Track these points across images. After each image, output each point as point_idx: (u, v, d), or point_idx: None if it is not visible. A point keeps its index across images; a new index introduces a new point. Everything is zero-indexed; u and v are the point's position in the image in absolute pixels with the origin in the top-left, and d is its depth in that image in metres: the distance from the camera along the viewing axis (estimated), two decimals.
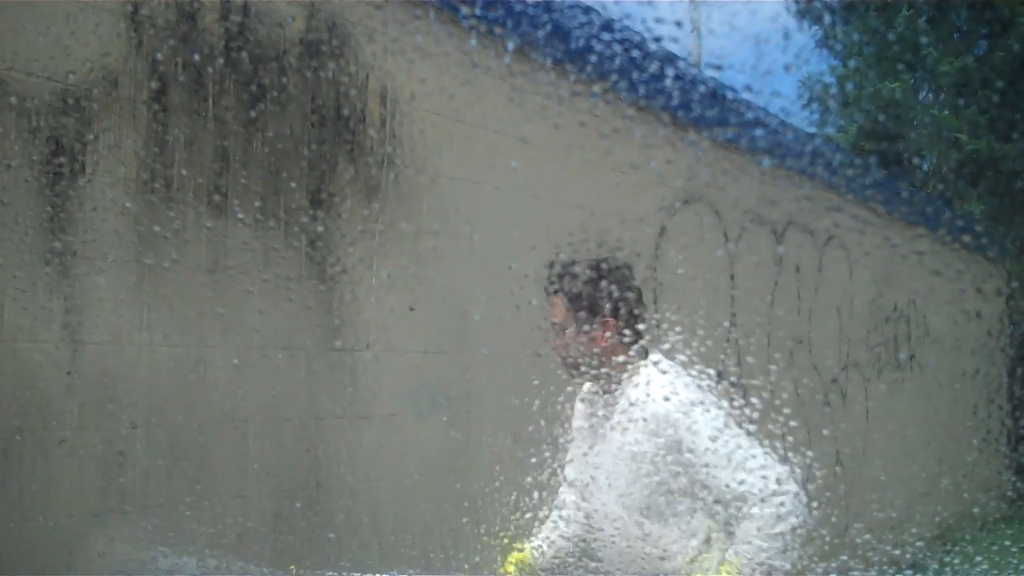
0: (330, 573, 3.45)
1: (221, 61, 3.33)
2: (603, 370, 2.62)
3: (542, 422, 2.90)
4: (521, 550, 2.79)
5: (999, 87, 12.98)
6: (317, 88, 3.68)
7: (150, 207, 3.14)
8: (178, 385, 3.25)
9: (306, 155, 3.62)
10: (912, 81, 14.27)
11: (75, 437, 2.97)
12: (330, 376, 3.76)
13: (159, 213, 3.17)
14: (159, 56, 3.16)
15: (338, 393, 3.78)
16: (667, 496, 2.52)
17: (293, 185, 3.56)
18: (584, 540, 2.74)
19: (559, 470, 2.83)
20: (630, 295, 2.62)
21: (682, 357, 2.70)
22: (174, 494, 3.22)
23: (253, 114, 3.43)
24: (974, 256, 10.51)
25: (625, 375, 2.61)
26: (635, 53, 4.31)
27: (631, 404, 2.55)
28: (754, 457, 2.47)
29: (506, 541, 2.83)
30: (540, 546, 2.79)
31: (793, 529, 2.42)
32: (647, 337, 2.65)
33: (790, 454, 2.60)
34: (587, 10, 4.38)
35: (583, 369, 2.64)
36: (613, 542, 2.60)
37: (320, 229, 3.66)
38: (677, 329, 2.74)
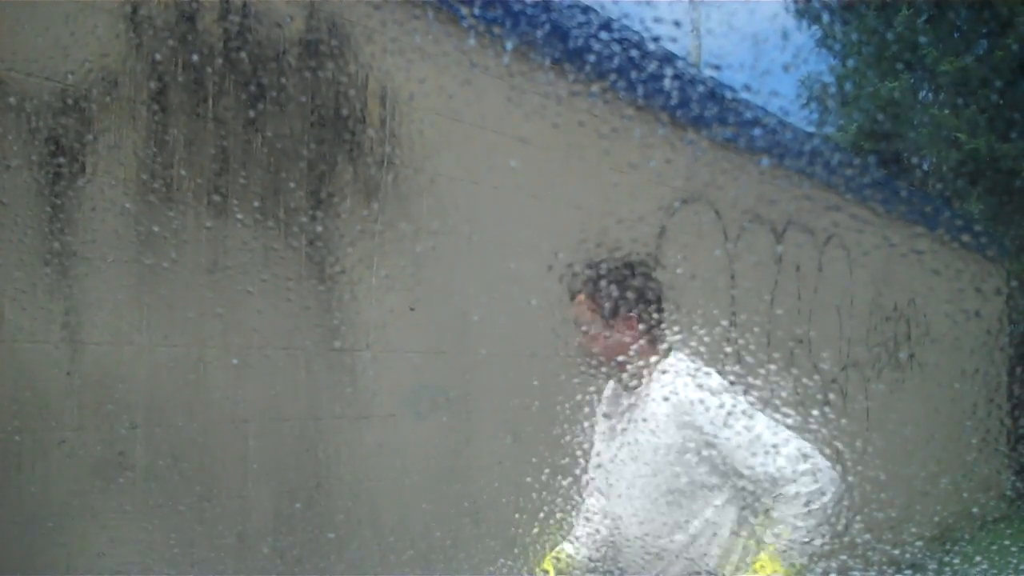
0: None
1: (220, 61, 3.33)
2: (628, 368, 2.66)
3: (541, 422, 2.90)
4: (556, 553, 2.81)
5: (998, 87, 12.97)
6: (316, 88, 3.68)
7: (149, 207, 3.14)
8: (178, 385, 3.25)
9: (305, 155, 3.62)
10: (911, 81, 14.27)
11: (75, 437, 2.97)
12: (330, 376, 3.76)
13: (159, 213, 3.17)
14: (158, 56, 3.16)
15: (338, 393, 3.78)
16: (699, 486, 2.57)
17: (292, 185, 3.56)
18: (611, 545, 2.75)
19: (585, 475, 2.85)
20: (654, 294, 2.67)
21: (682, 355, 2.71)
22: (174, 494, 3.22)
23: (252, 114, 3.43)
24: (973, 255, 10.51)
25: (650, 372, 2.65)
26: (634, 53, 4.31)
27: (660, 399, 2.59)
28: (783, 440, 2.54)
29: (538, 543, 2.85)
30: (579, 549, 2.81)
31: (826, 505, 2.51)
32: (669, 335, 2.69)
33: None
34: (586, 10, 4.38)
35: (608, 367, 2.68)
36: (640, 543, 2.63)
37: (319, 229, 3.66)
38: (676, 329, 2.75)
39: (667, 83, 5.19)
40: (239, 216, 3.39)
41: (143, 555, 3.11)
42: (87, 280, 3.00)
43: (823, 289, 7.62)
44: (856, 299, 8.25)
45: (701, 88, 5.73)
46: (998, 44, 13.22)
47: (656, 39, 4.24)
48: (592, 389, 2.86)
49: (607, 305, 2.64)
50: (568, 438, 2.87)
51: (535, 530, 2.89)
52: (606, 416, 2.80)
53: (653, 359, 2.66)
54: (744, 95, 6.20)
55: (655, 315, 2.67)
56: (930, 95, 14.71)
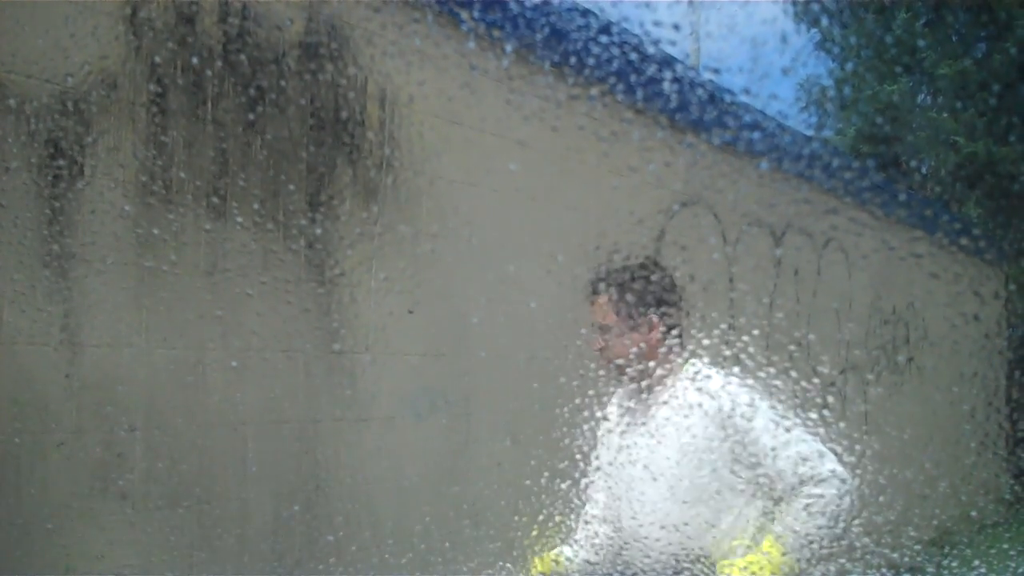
0: None
1: (220, 64, 3.33)
2: (648, 370, 2.66)
3: (540, 424, 2.90)
4: (555, 556, 2.79)
5: (997, 90, 12.99)
6: (315, 91, 3.68)
7: (149, 210, 3.14)
8: (177, 388, 3.25)
9: (304, 158, 3.63)
10: (910, 84, 14.28)
11: (74, 439, 2.97)
12: (329, 379, 3.76)
13: (158, 216, 3.17)
14: (158, 59, 3.16)
15: (337, 396, 3.78)
16: (727, 486, 2.58)
17: (292, 188, 3.56)
18: (614, 549, 2.74)
19: (589, 476, 2.83)
20: (674, 295, 2.70)
21: (704, 353, 2.73)
22: (173, 497, 3.22)
23: (252, 117, 3.43)
24: (972, 259, 10.52)
25: (671, 374, 2.66)
26: (633, 56, 4.32)
27: (688, 399, 2.60)
28: (806, 444, 2.60)
29: (536, 545, 2.84)
30: (577, 552, 2.80)
31: (842, 511, 2.55)
32: (688, 338, 2.71)
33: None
34: (585, 13, 4.38)
35: (627, 369, 2.68)
36: (650, 542, 2.62)
37: (318, 232, 3.66)
38: (698, 329, 2.76)
39: (666, 86, 5.20)
40: (238, 218, 3.39)
41: (142, 557, 3.11)
42: (86, 282, 3.00)
43: (822, 292, 7.62)
44: (855, 302, 8.25)
45: (700, 91, 5.73)
46: (997, 47, 13.24)
47: (655, 42, 4.24)
48: (591, 392, 2.85)
49: (629, 306, 2.64)
50: (567, 441, 2.87)
51: (534, 532, 2.89)
52: (622, 417, 2.78)
53: (677, 359, 2.68)
54: (743, 98, 6.20)
55: (676, 316, 2.68)
56: (929, 98, 14.73)
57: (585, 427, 2.85)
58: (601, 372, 2.74)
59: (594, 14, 4.39)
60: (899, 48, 13.97)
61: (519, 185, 4.54)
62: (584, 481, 2.85)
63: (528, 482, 2.94)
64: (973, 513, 9.59)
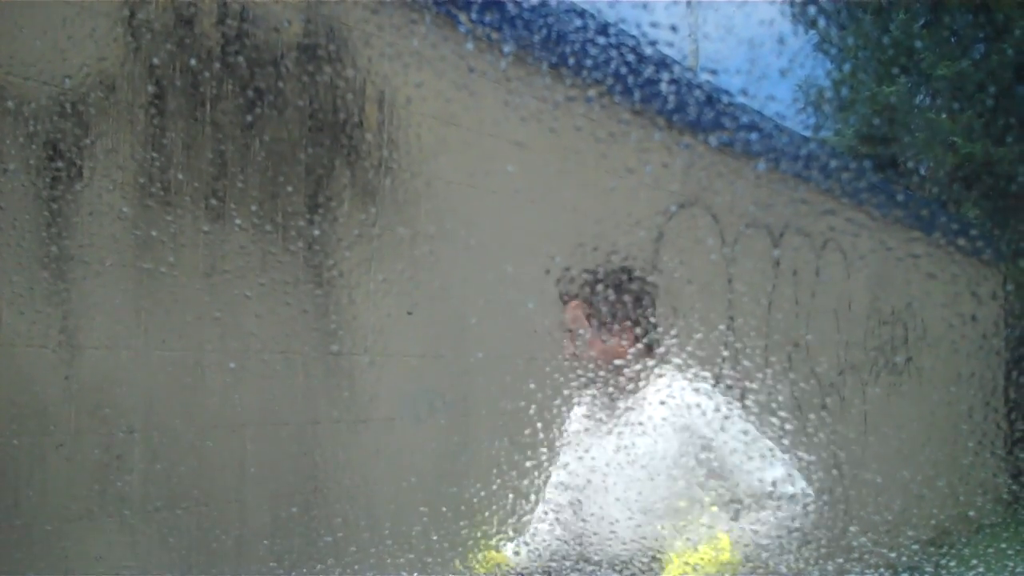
0: None
1: (218, 65, 3.34)
2: (620, 376, 2.63)
3: (539, 425, 2.90)
4: (495, 550, 2.76)
5: (995, 91, 12.99)
6: (314, 92, 3.68)
7: (147, 211, 3.15)
8: (175, 389, 3.25)
9: (303, 159, 3.63)
10: (908, 85, 14.28)
11: (73, 441, 2.97)
12: (327, 381, 3.77)
13: (156, 217, 3.17)
14: (156, 60, 3.17)
15: (335, 397, 3.78)
16: (695, 492, 2.55)
17: (290, 189, 3.57)
18: (580, 542, 2.71)
19: (550, 473, 2.80)
20: (649, 300, 2.68)
21: (679, 361, 2.71)
22: (171, 498, 3.22)
23: (250, 118, 3.43)
24: (970, 259, 10.52)
25: (644, 382, 2.63)
26: (631, 57, 4.32)
27: (657, 404, 2.58)
28: (774, 461, 2.56)
29: (481, 540, 2.82)
30: (532, 547, 2.76)
31: (800, 531, 2.50)
32: (664, 345, 2.68)
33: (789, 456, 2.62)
34: (583, 14, 4.38)
35: (599, 375, 2.66)
36: (611, 544, 2.60)
37: (317, 233, 3.66)
38: (674, 333, 2.75)
39: (664, 87, 5.20)
40: (237, 220, 3.39)
41: (141, 559, 3.11)
42: (85, 284, 3.00)
43: (820, 293, 7.63)
44: (853, 303, 8.26)
45: (698, 92, 5.74)
46: (995, 48, 13.24)
47: (653, 43, 4.25)
48: (591, 392, 2.85)
49: (602, 311, 2.62)
50: (562, 442, 2.86)
51: (514, 531, 2.88)
52: (582, 422, 2.75)
53: (649, 365, 2.64)
54: (741, 99, 6.20)
55: (650, 321, 2.66)
56: (927, 99, 14.73)
57: (554, 429, 2.84)
58: (576, 376, 2.71)
59: (592, 15, 4.39)
60: (897, 49, 13.98)
61: (517, 186, 4.54)
62: (545, 480, 2.81)
63: (526, 483, 2.94)
64: (971, 513, 9.60)
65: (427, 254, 4.13)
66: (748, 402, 2.64)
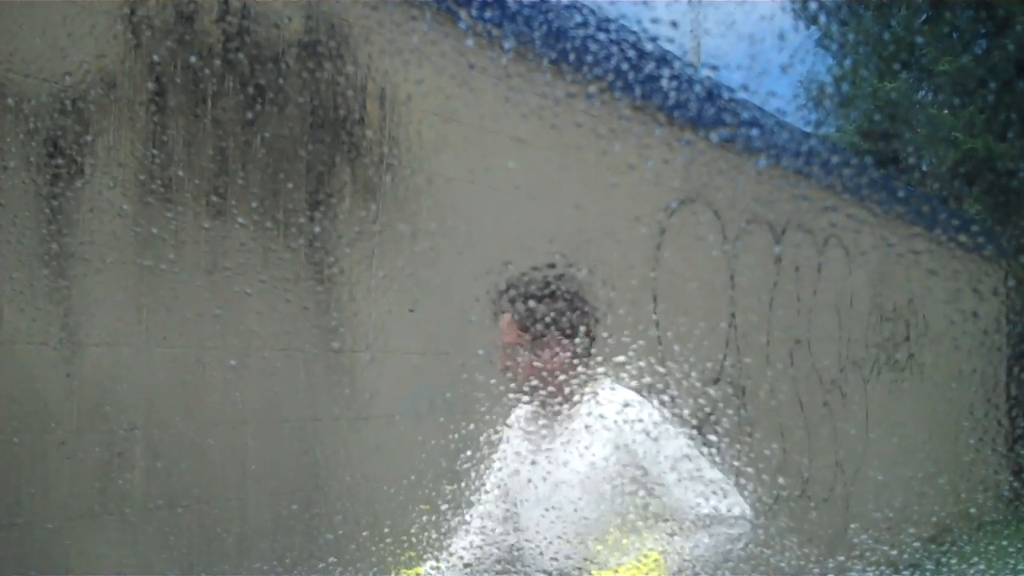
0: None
1: (218, 62, 3.33)
2: (554, 391, 2.53)
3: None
4: (415, 568, 2.70)
5: (996, 86, 12.98)
6: (314, 89, 3.68)
7: (148, 208, 3.14)
8: (176, 387, 3.25)
9: (303, 156, 3.63)
10: (909, 81, 14.28)
11: (74, 439, 2.97)
12: (328, 378, 3.76)
13: (157, 214, 3.17)
14: (156, 57, 3.16)
15: (336, 394, 3.78)
16: (619, 517, 2.46)
17: (291, 186, 3.56)
18: (510, 554, 2.65)
19: (484, 481, 2.74)
20: (583, 314, 2.54)
21: (680, 361, 2.71)
22: (173, 495, 3.22)
23: (250, 115, 3.43)
24: (972, 255, 10.52)
25: (579, 396, 2.53)
26: (632, 53, 4.32)
27: (592, 421, 2.48)
28: (712, 482, 2.44)
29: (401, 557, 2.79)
30: (442, 568, 2.69)
31: (739, 549, 2.42)
32: (601, 358, 2.56)
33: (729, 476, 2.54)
34: (584, 10, 4.38)
35: (533, 390, 2.55)
36: (540, 559, 2.53)
37: (318, 230, 3.66)
38: (676, 328, 2.75)
39: (665, 83, 5.20)
40: (237, 217, 3.39)
41: (142, 556, 3.11)
42: (86, 281, 3.00)
43: (822, 289, 7.63)
44: (855, 299, 8.25)
45: (699, 88, 5.74)
46: (996, 44, 13.24)
47: (654, 39, 4.24)
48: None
49: (536, 324, 2.50)
50: (498, 454, 2.81)
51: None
52: (519, 436, 2.67)
53: (583, 383, 2.53)
54: (742, 95, 6.20)
55: (585, 337, 2.53)
56: (928, 95, 14.72)
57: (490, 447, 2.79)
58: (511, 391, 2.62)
59: (592, 11, 4.39)
60: (898, 45, 13.97)
61: (518, 183, 4.54)
62: (479, 496, 2.74)
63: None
64: (972, 510, 9.60)
65: (428, 251, 4.13)
66: (683, 429, 2.51)
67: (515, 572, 2.63)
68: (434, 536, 2.74)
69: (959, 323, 10.05)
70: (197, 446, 3.30)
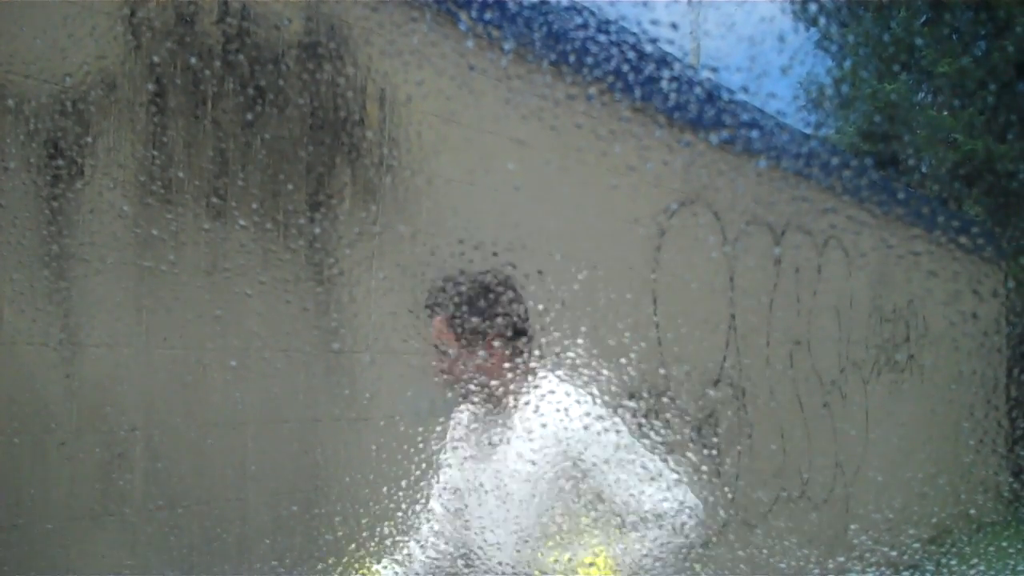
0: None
1: (218, 64, 3.34)
2: (489, 391, 2.47)
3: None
4: (373, 569, 2.67)
5: (996, 88, 12.99)
6: (314, 90, 3.68)
7: (148, 209, 3.15)
8: (176, 388, 3.26)
9: (303, 157, 3.63)
10: (909, 82, 14.29)
11: (74, 440, 2.97)
12: (328, 378, 3.77)
13: (157, 216, 3.17)
14: (156, 59, 3.17)
15: (336, 395, 3.78)
16: (563, 515, 2.42)
17: (291, 187, 3.57)
18: (465, 552, 2.60)
19: (432, 480, 2.71)
20: (514, 312, 2.47)
21: (680, 363, 2.70)
22: (173, 496, 3.22)
23: (250, 116, 3.43)
24: (971, 257, 10.52)
25: (514, 395, 2.47)
26: (632, 55, 4.32)
27: (524, 424, 2.44)
28: (656, 476, 2.38)
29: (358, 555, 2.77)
30: (398, 571, 2.66)
31: (692, 543, 2.37)
32: (538, 354, 2.51)
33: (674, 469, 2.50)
34: (583, 12, 4.38)
35: (469, 391, 2.49)
36: (495, 558, 2.50)
37: (318, 231, 3.67)
38: (676, 330, 2.74)
39: (665, 85, 5.20)
40: (238, 218, 3.39)
41: (142, 557, 3.11)
42: (86, 282, 3.00)
43: (821, 291, 7.63)
44: (854, 301, 8.25)
45: (699, 90, 5.74)
46: (996, 45, 13.24)
47: (654, 41, 4.25)
48: (593, 391, 2.84)
49: (468, 326, 2.44)
50: (445, 454, 2.81)
51: (533, 532, 2.88)
52: (464, 442, 2.62)
53: (519, 382, 2.47)
54: (742, 97, 6.20)
55: (517, 334, 2.47)
56: (928, 96, 14.73)
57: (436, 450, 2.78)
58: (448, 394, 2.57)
59: (592, 13, 4.39)
60: (898, 46, 13.98)
61: (518, 184, 4.54)
62: (431, 503, 2.70)
63: (552, 484, 2.93)
64: (972, 511, 9.60)
65: (428, 252, 4.13)
66: (627, 426, 2.43)
67: (466, 572, 2.59)
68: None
69: (959, 324, 10.05)
70: (197, 447, 3.31)
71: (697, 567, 2.44)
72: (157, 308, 3.18)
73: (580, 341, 2.49)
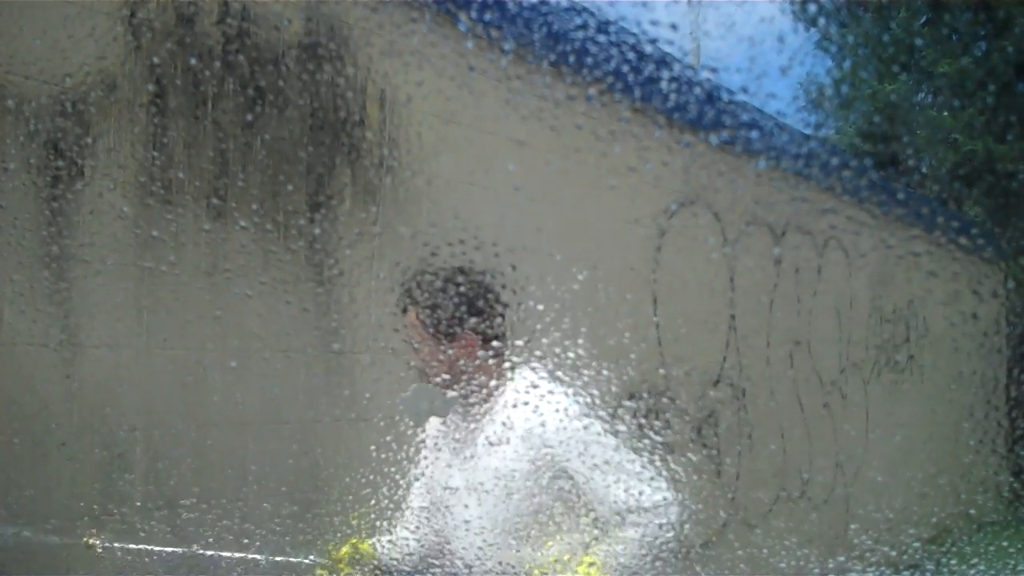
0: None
1: (218, 64, 3.34)
2: (464, 387, 2.45)
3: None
4: (361, 542, 2.65)
5: (996, 88, 12.99)
6: (314, 91, 3.68)
7: (148, 210, 3.15)
8: (177, 388, 3.26)
9: (303, 158, 3.63)
10: (909, 82, 14.29)
11: (74, 440, 2.97)
12: (328, 379, 3.77)
13: (157, 216, 3.17)
14: (156, 59, 3.17)
15: (336, 396, 3.79)
16: (541, 511, 2.40)
17: (291, 188, 3.57)
18: (441, 547, 2.60)
19: (412, 473, 2.70)
20: (490, 307, 2.45)
21: (680, 363, 2.70)
22: (173, 497, 3.22)
23: (250, 117, 3.44)
24: (971, 257, 10.52)
25: (490, 391, 2.45)
26: (631, 55, 4.32)
27: (507, 420, 2.41)
28: (635, 472, 2.36)
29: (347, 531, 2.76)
30: (397, 542, 2.65)
31: (671, 538, 2.35)
32: (514, 350, 2.48)
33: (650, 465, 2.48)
34: (583, 12, 4.38)
35: (447, 387, 2.47)
36: (473, 554, 2.48)
37: (318, 232, 3.67)
38: (676, 330, 2.74)
39: (664, 85, 5.20)
40: (238, 219, 3.39)
41: (142, 558, 3.11)
42: (86, 283, 3.00)
43: (821, 291, 7.63)
44: (855, 301, 8.26)
45: (699, 90, 5.74)
46: (995, 46, 13.25)
47: (653, 41, 4.25)
48: (594, 391, 2.83)
49: (441, 321, 2.42)
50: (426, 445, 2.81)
51: (533, 531, 2.88)
52: (442, 437, 2.61)
53: (496, 377, 2.45)
54: (742, 97, 6.20)
55: (493, 330, 2.43)
56: (928, 97, 14.73)
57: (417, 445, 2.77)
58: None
59: (592, 13, 4.39)
60: (898, 47, 13.98)
61: (518, 185, 4.55)
62: (406, 494, 2.70)
63: (529, 483, 2.93)
64: (972, 511, 9.60)
65: (428, 253, 4.13)
66: (604, 422, 2.40)
67: (444, 568, 2.58)
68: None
69: (959, 325, 10.05)
70: (197, 448, 3.31)
71: (697, 567, 2.44)
72: (157, 309, 3.18)
73: (580, 341, 2.50)
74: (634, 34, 4.39)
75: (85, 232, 2.99)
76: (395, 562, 2.67)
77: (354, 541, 2.67)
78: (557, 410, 2.37)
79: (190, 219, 3.27)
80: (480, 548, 2.46)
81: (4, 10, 2.83)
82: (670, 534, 2.36)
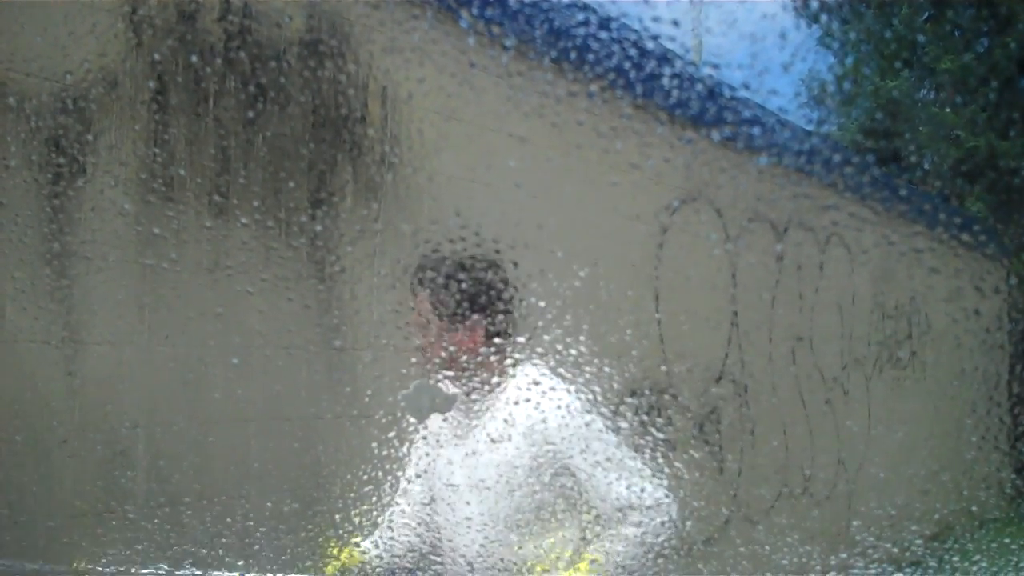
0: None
1: (220, 61, 3.34)
2: (469, 375, 2.45)
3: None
4: (349, 548, 2.66)
5: (998, 85, 12.99)
6: (316, 88, 3.68)
7: (149, 207, 3.15)
8: (178, 385, 3.26)
9: (305, 155, 3.63)
10: (911, 79, 14.28)
11: (76, 437, 2.97)
12: (330, 376, 3.77)
13: (158, 213, 3.17)
14: (158, 56, 3.16)
15: (338, 393, 3.79)
16: (539, 506, 2.40)
17: (292, 185, 3.57)
18: (437, 542, 2.60)
19: (405, 470, 2.70)
20: (501, 295, 2.44)
21: (682, 360, 2.70)
22: (175, 494, 3.22)
23: (252, 114, 3.43)
24: (974, 254, 10.51)
25: (495, 382, 2.44)
26: (633, 52, 4.32)
27: (511, 410, 2.40)
28: (635, 470, 2.36)
29: (336, 538, 2.76)
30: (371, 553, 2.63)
31: (666, 538, 2.35)
32: (522, 343, 2.47)
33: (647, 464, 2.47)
34: (585, 9, 4.38)
35: (448, 373, 2.47)
36: (469, 547, 2.48)
37: (319, 228, 3.67)
38: (678, 327, 2.74)
39: (666, 82, 5.19)
40: (239, 216, 3.39)
41: (144, 555, 3.11)
42: (87, 280, 3.00)
43: (824, 288, 7.62)
44: (857, 297, 8.25)
45: (700, 87, 5.73)
46: (998, 42, 13.23)
47: (655, 38, 4.24)
48: (595, 389, 2.83)
49: (450, 305, 2.42)
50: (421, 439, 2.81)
51: (535, 528, 2.88)
52: (441, 425, 2.60)
53: (500, 368, 2.44)
54: (744, 94, 6.19)
55: (503, 319, 2.42)
56: (930, 93, 14.72)
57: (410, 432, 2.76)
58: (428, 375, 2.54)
59: (594, 10, 4.39)
60: (900, 43, 13.97)
61: (519, 181, 4.54)
62: (400, 486, 2.69)
63: (531, 480, 2.93)
64: (975, 508, 9.59)
65: (430, 249, 4.12)
66: (605, 418, 2.40)
67: (440, 563, 2.57)
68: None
69: (961, 321, 10.04)
70: (199, 444, 3.31)
71: (700, 564, 2.44)
72: (159, 306, 3.18)
73: (582, 338, 2.49)
74: (636, 30, 4.38)
75: (86, 229, 2.99)
76: (395, 562, 2.66)
77: (345, 550, 2.67)
78: (559, 407, 2.37)
79: (191, 216, 3.27)
80: (482, 545, 2.46)
81: (5, 7, 2.83)
82: (672, 531, 2.36)
